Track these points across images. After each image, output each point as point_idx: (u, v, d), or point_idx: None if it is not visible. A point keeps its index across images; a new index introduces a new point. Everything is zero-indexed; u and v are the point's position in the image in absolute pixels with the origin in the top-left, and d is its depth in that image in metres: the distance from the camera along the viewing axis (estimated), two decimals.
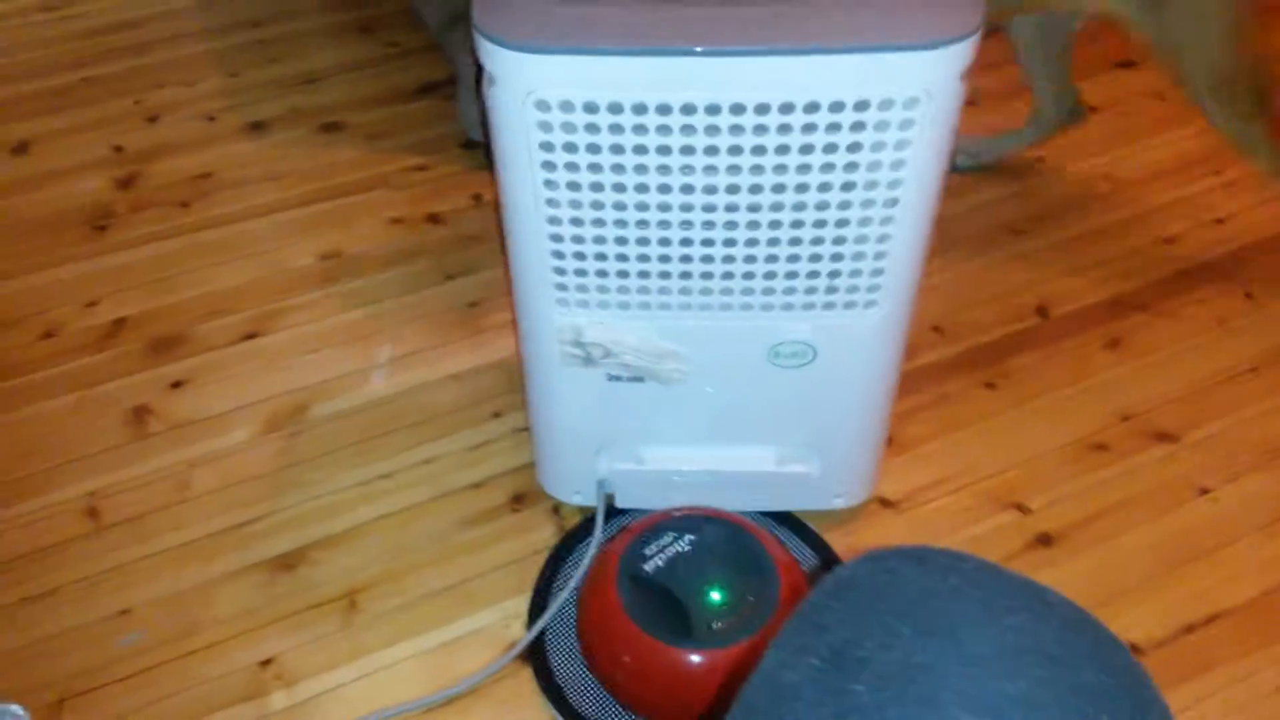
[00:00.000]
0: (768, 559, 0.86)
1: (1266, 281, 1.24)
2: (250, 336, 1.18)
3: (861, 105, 0.70)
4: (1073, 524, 1.00)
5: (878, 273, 0.80)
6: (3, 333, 1.19)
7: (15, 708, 0.35)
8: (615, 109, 0.70)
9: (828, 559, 0.97)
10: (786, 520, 0.99)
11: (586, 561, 0.95)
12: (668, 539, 0.88)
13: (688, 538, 0.88)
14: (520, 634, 0.92)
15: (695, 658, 0.81)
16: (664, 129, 0.71)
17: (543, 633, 0.91)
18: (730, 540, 0.88)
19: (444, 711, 0.88)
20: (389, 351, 1.16)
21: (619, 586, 0.84)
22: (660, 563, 0.86)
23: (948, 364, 1.17)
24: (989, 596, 0.35)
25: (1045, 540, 0.99)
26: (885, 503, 1.03)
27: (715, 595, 0.84)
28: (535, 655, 0.89)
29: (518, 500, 1.03)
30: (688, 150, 0.72)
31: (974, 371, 1.16)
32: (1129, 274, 1.26)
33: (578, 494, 0.99)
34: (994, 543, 0.99)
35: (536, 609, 0.94)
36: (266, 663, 0.91)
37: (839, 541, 0.99)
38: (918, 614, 0.34)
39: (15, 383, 1.14)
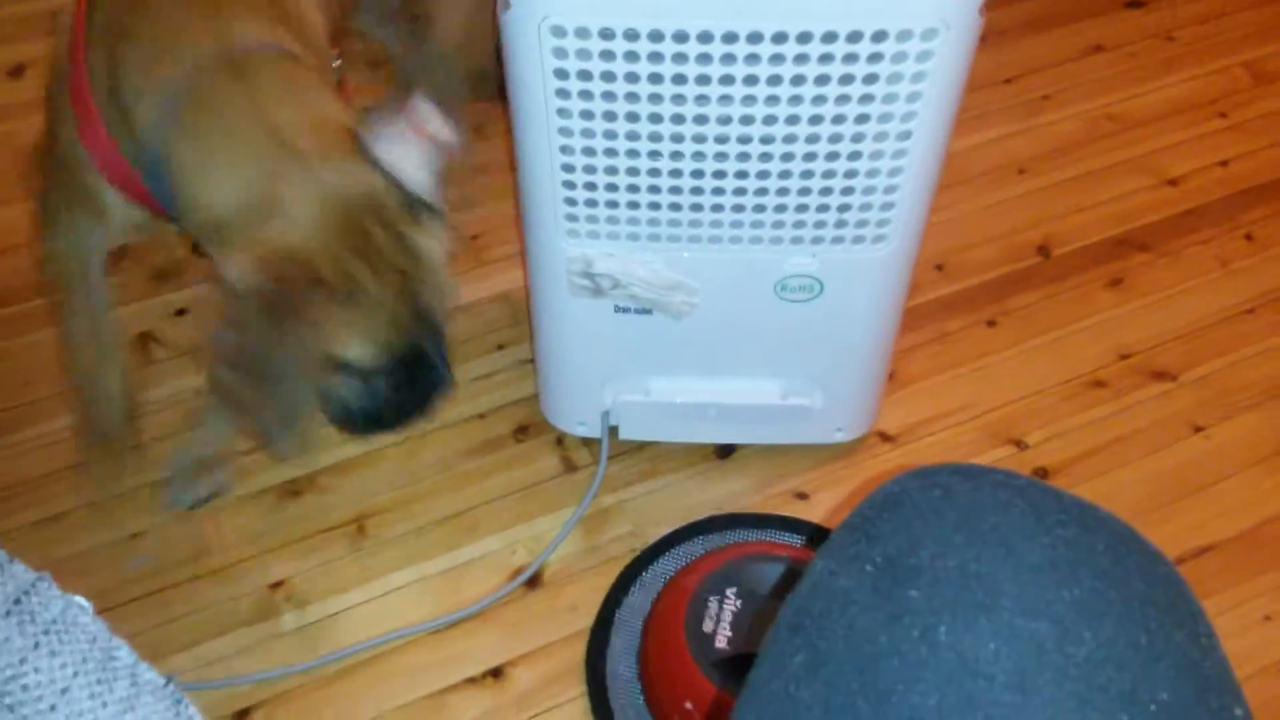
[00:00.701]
0: None
1: (1268, 223, 1.25)
2: None
3: (879, 36, 0.69)
4: (1069, 459, 1.02)
5: (887, 207, 0.81)
6: (2, 259, 1.18)
7: (80, 599, 0.36)
8: (631, 36, 0.69)
9: None
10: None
11: (592, 493, 0.96)
12: (717, 604, 0.83)
13: (734, 594, 0.83)
14: (525, 560, 0.94)
15: None
16: (680, 57, 0.70)
17: (604, 652, 0.88)
18: (783, 580, 0.85)
19: (450, 634, 0.90)
20: None
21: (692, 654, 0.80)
22: (726, 631, 0.82)
23: (949, 301, 1.17)
24: (1039, 510, 0.36)
25: (1041, 475, 1.00)
26: (885, 437, 1.04)
27: None
28: (595, 687, 0.86)
29: (522, 431, 1.04)
30: (703, 79, 0.72)
31: (975, 309, 1.17)
32: (1132, 214, 1.27)
33: (582, 425, 1.00)
34: None
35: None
36: (277, 585, 0.93)
37: (838, 474, 1.01)
38: (970, 525, 0.35)
39: (17, 309, 1.14)
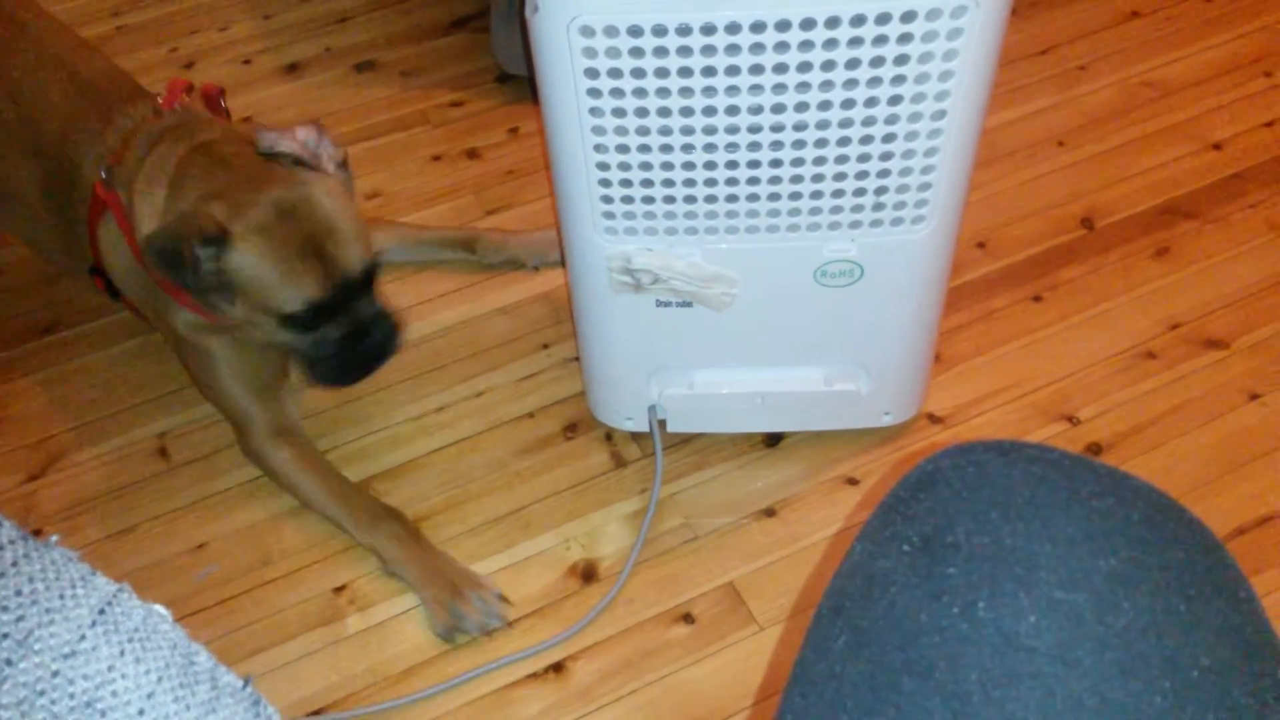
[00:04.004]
0: None
1: None
2: None
3: (908, 16, 0.69)
4: (1122, 432, 1.01)
5: (925, 187, 0.80)
6: (69, 278, 1.22)
7: (159, 607, 0.38)
8: (659, 31, 0.70)
9: None
10: None
11: (657, 487, 0.97)
12: None
13: None
14: (580, 556, 0.95)
15: None
16: (708, 49, 0.71)
17: None
18: None
19: (511, 630, 0.91)
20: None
21: None
22: None
23: (993, 279, 1.16)
24: (1074, 483, 0.36)
25: (1095, 449, 0.99)
26: (934, 418, 1.04)
27: None
28: None
29: (570, 429, 1.05)
30: (732, 70, 0.72)
31: (1020, 286, 1.15)
32: (1176, 181, 1.24)
33: (629, 420, 1.01)
34: None
35: None
36: (340, 589, 0.95)
37: (887, 458, 1.00)
38: (1005, 501, 0.35)
39: (83, 329, 1.17)
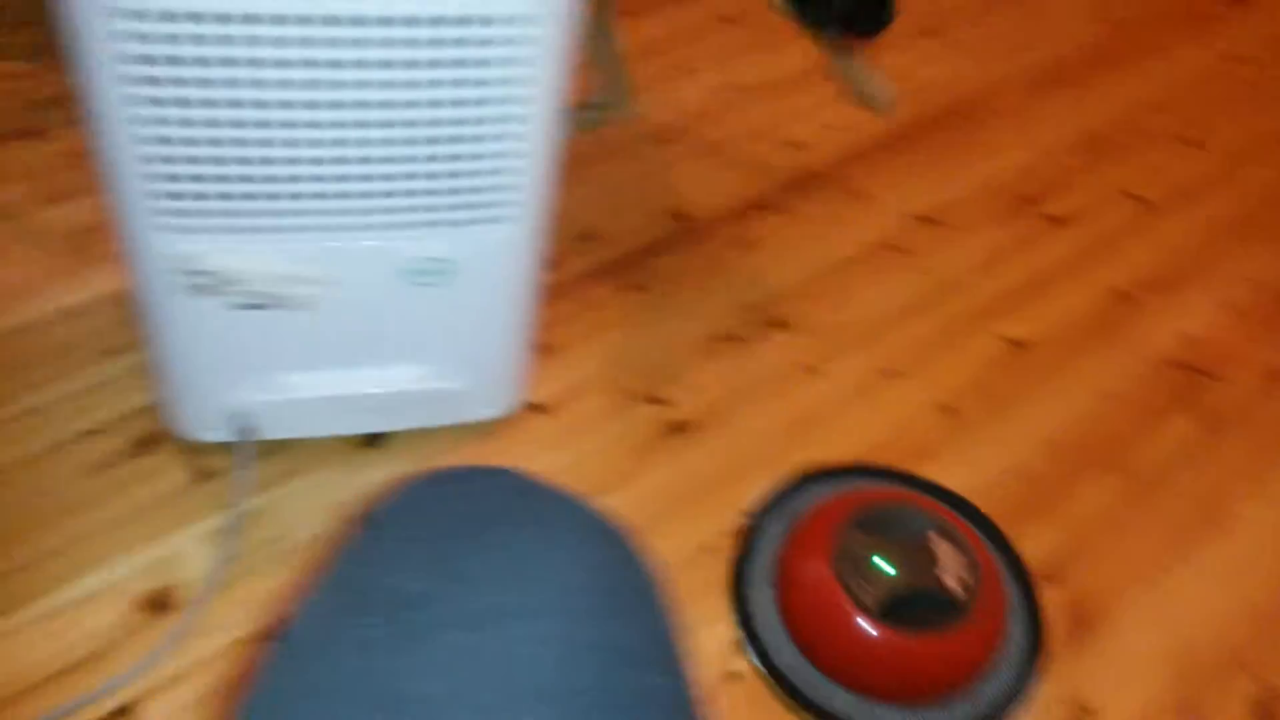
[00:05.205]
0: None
1: (874, 179, 1.39)
2: None
3: (464, 21, 0.69)
4: (704, 409, 1.09)
5: (503, 188, 0.81)
6: None
7: None
8: (223, 19, 0.65)
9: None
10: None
11: (244, 500, 0.91)
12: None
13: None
14: (156, 585, 0.87)
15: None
16: (253, 40, 0.66)
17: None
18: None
19: (77, 673, 0.82)
20: None
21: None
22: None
23: (596, 270, 1.21)
24: (478, 519, 0.37)
25: (680, 428, 1.07)
26: (536, 408, 1.06)
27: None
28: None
29: (144, 444, 0.96)
30: (283, 64, 0.68)
31: (621, 276, 1.21)
32: (759, 177, 1.37)
33: (213, 431, 0.94)
34: (635, 435, 1.05)
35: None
36: None
37: (491, 450, 1.02)
38: (415, 548, 0.36)
39: None
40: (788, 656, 0.90)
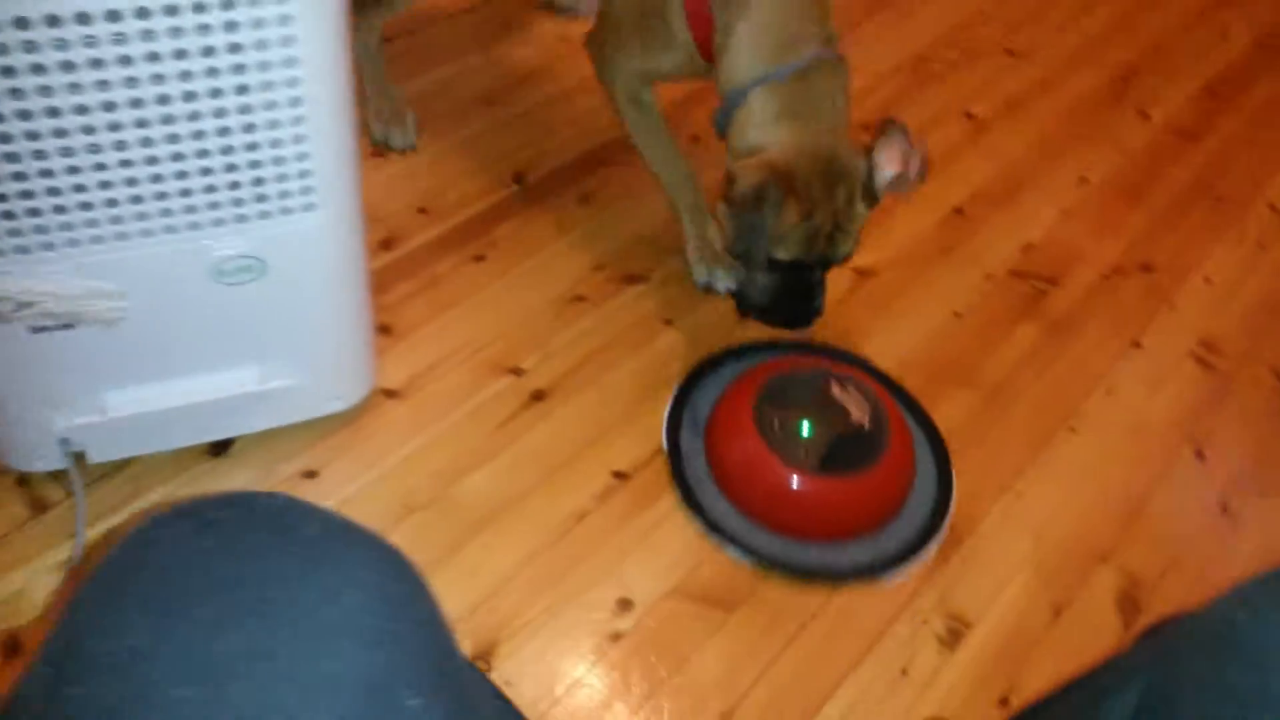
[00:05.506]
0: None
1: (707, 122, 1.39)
2: None
3: (227, 5, 0.66)
4: (562, 375, 1.09)
5: (304, 174, 0.78)
6: None
7: None
8: None
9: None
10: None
11: (81, 529, 0.86)
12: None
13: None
14: (9, 623, 0.83)
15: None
16: (30, 45, 0.62)
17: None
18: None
19: None
20: None
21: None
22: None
23: (436, 244, 1.19)
24: (223, 548, 0.36)
25: (540, 396, 1.06)
26: (389, 393, 1.04)
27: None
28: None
29: None
30: (38, 69, 0.64)
31: (463, 247, 1.19)
32: (594, 132, 1.35)
33: (41, 460, 0.89)
34: (494, 409, 1.04)
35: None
36: None
37: (344, 443, 0.99)
38: (146, 600, 0.34)
39: None
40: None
